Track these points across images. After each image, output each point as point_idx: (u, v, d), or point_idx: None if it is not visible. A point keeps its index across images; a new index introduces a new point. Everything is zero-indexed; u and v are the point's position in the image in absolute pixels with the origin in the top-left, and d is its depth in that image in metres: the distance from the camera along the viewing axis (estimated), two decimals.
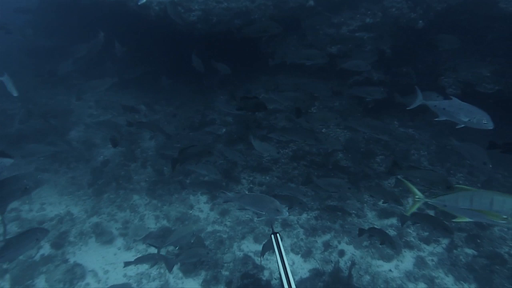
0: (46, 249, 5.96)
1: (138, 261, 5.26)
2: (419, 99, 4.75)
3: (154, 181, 7.41)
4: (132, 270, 5.56)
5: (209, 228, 6.36)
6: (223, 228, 6.34)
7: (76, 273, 5.53)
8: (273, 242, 2.62)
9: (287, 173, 7.26)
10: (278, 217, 4.05)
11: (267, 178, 7.28)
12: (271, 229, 3.05)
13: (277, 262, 2.33)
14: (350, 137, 7.67)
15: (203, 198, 7.06)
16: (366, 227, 6.06)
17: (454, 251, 5.63)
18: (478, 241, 5.74)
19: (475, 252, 5.60)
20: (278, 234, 2.74)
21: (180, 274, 5.58)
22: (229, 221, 6.45)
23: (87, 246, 6.07)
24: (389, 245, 4.86)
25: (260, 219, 6.24)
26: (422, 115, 8.05)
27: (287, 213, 4.14)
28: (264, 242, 5.42)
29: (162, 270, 5.60)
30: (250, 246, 5.99)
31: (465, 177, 6.93)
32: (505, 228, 5.94)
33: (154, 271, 5.58)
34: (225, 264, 5.69)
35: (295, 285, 2.14)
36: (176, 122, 8.88)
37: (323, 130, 7.97)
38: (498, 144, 4.17)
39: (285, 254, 2.42)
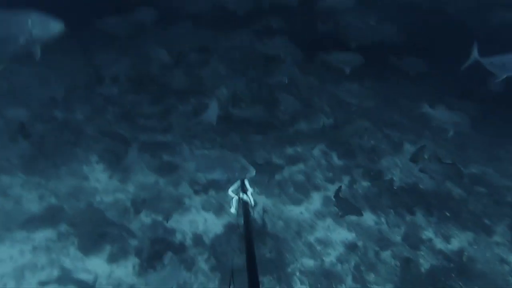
0: None
1: None
2: (473, 56, 4.03)
3: (32, 156, 6.11)
4: (8, 265, 4.55)
5: (110, 198, 5.63)
6: (126, 196, 5.67)
7: None
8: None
9: None
10: (246, 177, 3.24)
11: None
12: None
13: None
14: None
15: (99, 167, 6.17)
16: None
17: (354, 186, 6.17)
18: (372, 173, 6.42)
19: (369, 184, 6.26)
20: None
21: (80, 254, 4.84)
22: (132, 188, 5.81)
23: None
24: (356, 213, 4.99)
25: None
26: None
27: (254, 171, 3.66)
28: None
29: (54, 255, 4.75)
30: None
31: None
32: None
33: (43, 258, 4.70)
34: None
35: None
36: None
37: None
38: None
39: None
